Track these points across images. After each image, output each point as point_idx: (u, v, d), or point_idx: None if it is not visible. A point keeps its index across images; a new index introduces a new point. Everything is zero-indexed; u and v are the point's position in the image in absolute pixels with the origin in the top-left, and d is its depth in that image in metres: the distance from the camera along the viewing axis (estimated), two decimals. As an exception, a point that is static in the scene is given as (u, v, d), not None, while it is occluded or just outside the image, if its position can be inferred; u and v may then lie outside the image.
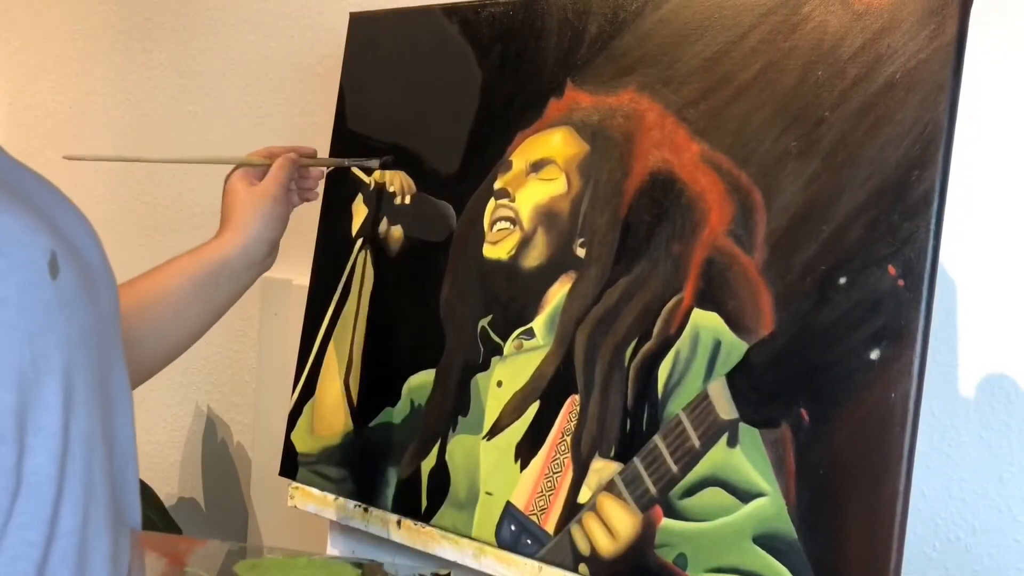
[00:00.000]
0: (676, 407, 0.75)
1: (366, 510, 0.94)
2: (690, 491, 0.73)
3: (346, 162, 1.02)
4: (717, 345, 0.73)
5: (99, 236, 0.62)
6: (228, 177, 0.94)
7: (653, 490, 0.75)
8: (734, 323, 0.73)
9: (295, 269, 1.42)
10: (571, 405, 0.82)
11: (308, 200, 1.00)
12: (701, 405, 0.74)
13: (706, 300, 0.75)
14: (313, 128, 1.35)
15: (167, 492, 1.65)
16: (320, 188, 1.00)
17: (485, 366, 0.88)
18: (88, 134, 1.72)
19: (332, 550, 1.01)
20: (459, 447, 0.89)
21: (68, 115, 1.76)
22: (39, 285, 0.50)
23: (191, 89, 1.56)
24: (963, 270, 0.90)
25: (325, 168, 1.02)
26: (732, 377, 0.72)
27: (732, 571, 0.70)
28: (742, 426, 0.71)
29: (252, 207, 0.91)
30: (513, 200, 0.89)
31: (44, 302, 0.50)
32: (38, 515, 0.50)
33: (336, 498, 0.97)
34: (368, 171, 1.02)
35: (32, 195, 0.56)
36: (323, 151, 1.09)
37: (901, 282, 0.65)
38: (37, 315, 0.49)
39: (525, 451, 0.84)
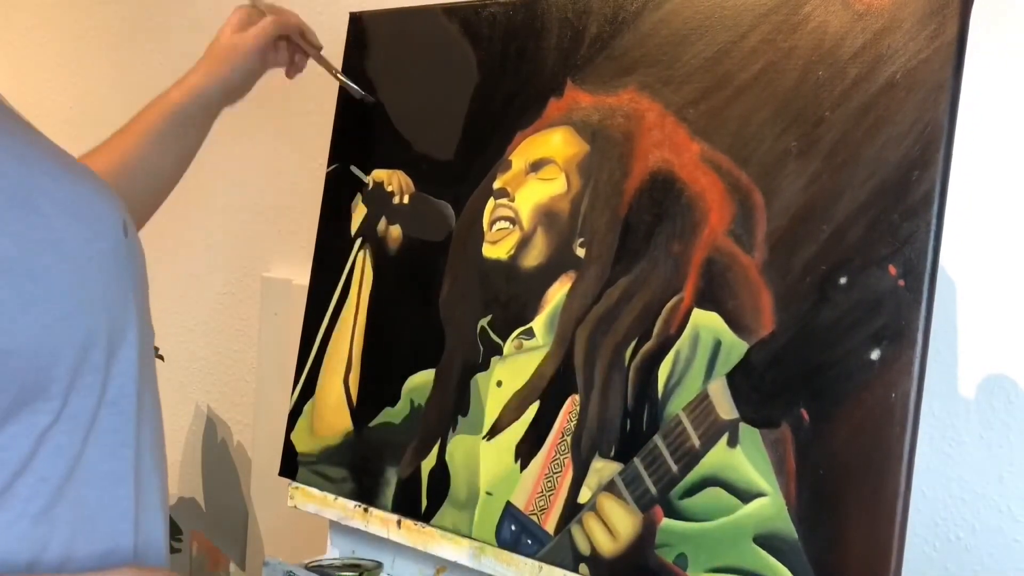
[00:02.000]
0: (676, 407, 0.75)
1: (366, 510, 0.94)
2: (690, 491, 0.73)
3: (336, 73, 1.04)
4: (717, 345, 0.73)
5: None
6: (229, 19, 1.01)
7: (653, 490, 0.75)
8: (734, 323, 0.73)
9: (295, 269, 1.42)
10: (571, 405, 0.82)
11: (287, 74, 1.07)
12: (701, 405, 0.74)
13: (706, 300, 0.75)
14: (313, 128, 1.35)
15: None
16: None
17: (485, 366, 0.88)
18: (88, 134, 1.72)
19: (332, 550, 1.01)
20: (459, 447, 0.89)
21: (68, 115, 1.76)
22: (120, 242, 0.65)
23: (191, 89, 1.56)
24: (963, 270, 0.90)
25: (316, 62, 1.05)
26: (732, 377, 0.72)
27: (732, 571, 0.70)
28: (742, 426, 0.71)
29: (227, 51, 0.98)
30: (513, 200, 0.89)
31: (124, 254, 0.65)
32: (124, 430, 0.63)
33: (336, 498, 0.97)
34: (356, 98, 1.03)
35: (98, 179, 0.68)
36: (324, 151, 1.09)
37: (901, 282, 0.65)
38: (120, 262, 0.64)
39: (525, 451, 0.84)
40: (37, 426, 0.57)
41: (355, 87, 1.03)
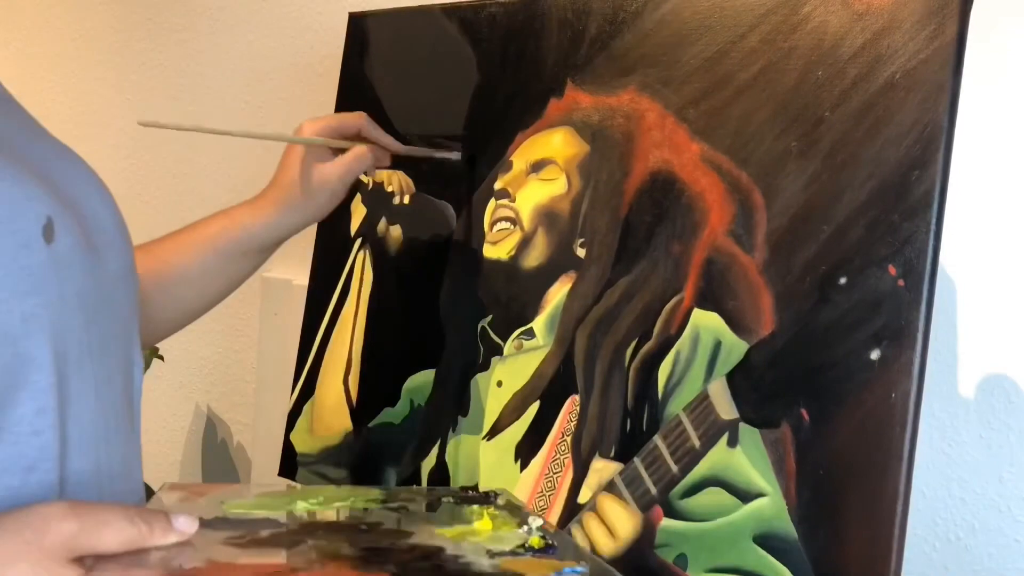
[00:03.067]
0: (676, 407, 0.75)
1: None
2: (690, 491, 0.73)
3: (434, 153, 0.94)
4: (717, 345, 0.73)
5: (118, 208, 0.64)
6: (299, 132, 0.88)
7: (653, 490, 0.75)
8: (734, 323, 0.73)
9: (295, 269, 1.42)
10: (571, 405, 0.82)
11: (368, 174, 0.91)
12: (701, 405, 0.74)
13: (706, 300, 0.75)
14: (313, 128, 1.35)
15: (167, 492, 1.65)
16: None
17: (485, 366, 0.88)
18: (88, 134, 1.72)
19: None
20: (459, 447, 0.89)
21: (68, 115, 1.76)
22: (31, 249, 0.52)
23: (191, 89, 1.56)
24: (963, 270, 0.90)
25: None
26: (732, 377, 0.72)
27: (732, 571, 0.70)
28: (742, 426, 0.71)
29: (306, 189, 0.85)
30: (513, 200, 0.89)
31: (36, 265, 0.52)
32: (18, 463, 0.52)
33: (336, 498, 0.97)
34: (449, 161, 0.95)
35: (41, 161, 0.58)
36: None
37: (901, 282, 0.65)
38: (27, 277, 0.52)
39: (525, 451, 0.84)
40: None
41: (449, 153, 0.95)
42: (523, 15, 0.91)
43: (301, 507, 0.65)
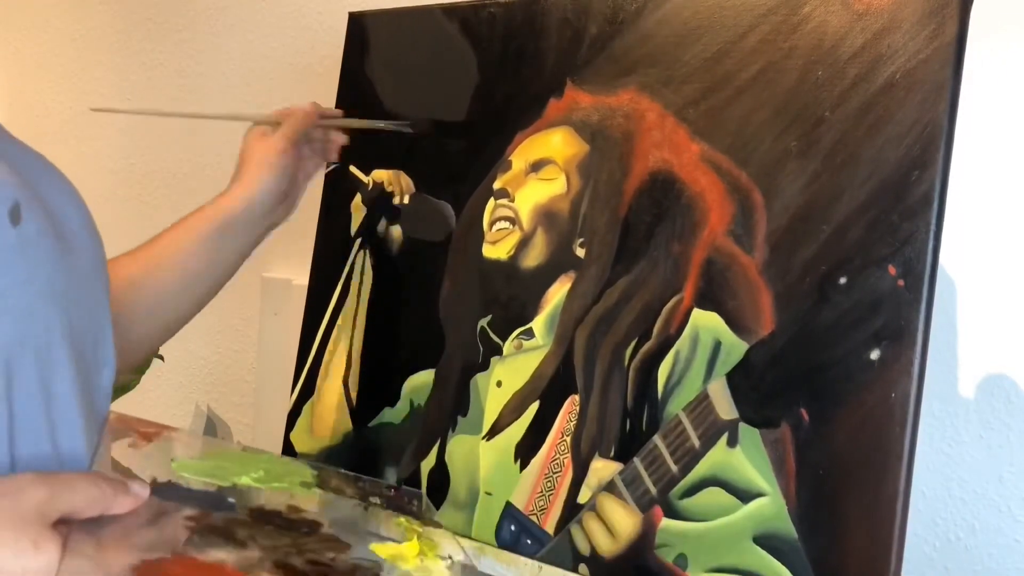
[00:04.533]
0: (676, 407, 0.75)
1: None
2: (690, 491, 0.73)
3: (380, 124, 0.99)
4: (717, 345, 0.73)
5: (91, 214, 0.64)
6: (246, 135, 0.96)
7: (653, 490, 0.75)
8: (734, 323, 0.73)
9: (295, 269, 1.42)
10: (571, 405, 0.82)
11: (329, 160, 1.01)
12: (701, 405, 0.74)
13: (706, 300, 0.75)
14: (313, 128, 1.35)
15: (167, 492, 1.65)
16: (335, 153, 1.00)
17: (484, 366, 0.88)
18: (88, 134, 1.72)
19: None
20: (459, 447, 0.89)
21: (68, 115, 1.76)
22: (5, 227, 0.52)
23: (191, 89, 1.56)
24: (963, 270, 0.90)
25: (349, 129, 1.00)
26: (732, 377, 0.72)
27: (732, 571, 0.70)
28: (742, 426, 0.71)
29: (256, 160, 0.92)
30: (513, 200, 0.89)
31: (2, 245, 0.52)
32: None
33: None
34: (404, 134, 0.98)
35: (10, 155, 0.58)
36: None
37: (901, 282, 0.65)
38: (7, 250, 0.52)
39: (525, 451, 0.84)
40: None
41: (401, 125, 0.98)
42: (523, 15, 0.91)
43: (244, 481, 0.68)
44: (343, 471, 0.81)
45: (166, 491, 0.61)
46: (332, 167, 1.05)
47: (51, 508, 0.50)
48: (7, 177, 0.54)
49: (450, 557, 0.66)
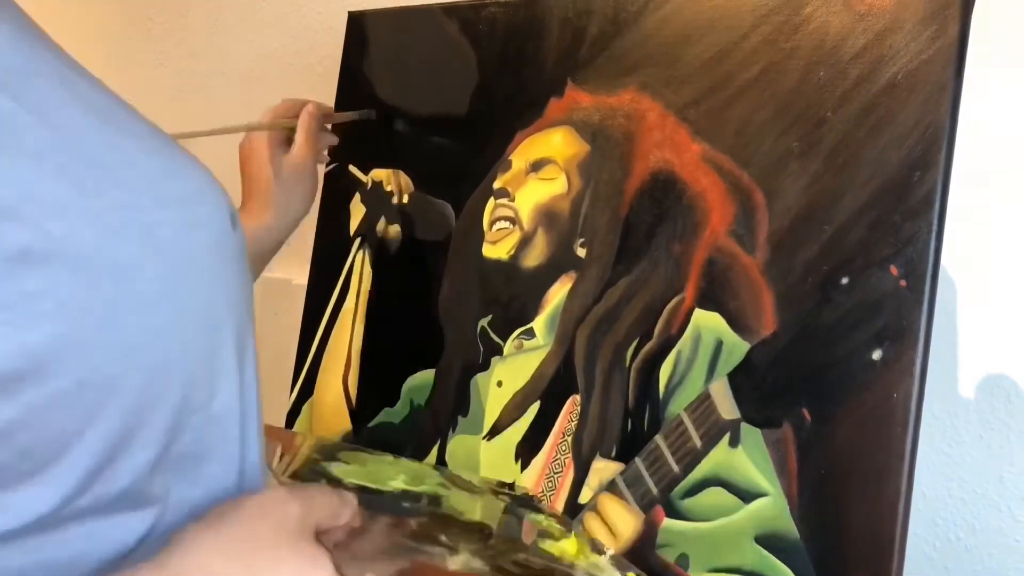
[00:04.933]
0: (677, 407, 0.75)
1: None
2: (692, 491, 0.73)
3: (354, 117, 0.98)
4: (719, 345, 0.73)
5: None
6: (253, 145, 0.88)
7: (655, 490, 0.75)
8: (736, 323, 0.73)
9: (295, 269, 1.41)
10: (572, 405, 0.82)
11: (321, 162, 0.96)
12: (703, 405, 0.74)
13: (707, 300, 0.75)
14: (313, 128, 1.35)
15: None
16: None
17: (485, 366, 0.88)
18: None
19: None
20: (459, 447, 0.89)
21: (67, 115, 1.75)
22: (226, 235, 0.52)
23: (191, 89, 1.56)
24: (964, 270, 0.90)
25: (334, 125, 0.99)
26: (734, 377, 0.72)
27: (734, 571, 0.70)
28: (744, 426, 0.71)
29: (282, 181, 0.86)
30: (513, 200, 0.89)
31: (229, 250, 0.52)
32: (228, 451, 0.53)
33: (336, 498, 0.97)
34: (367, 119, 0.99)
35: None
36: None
37: (903, 282, 0.65)
38: (226, 262, 0.51)
39: (525, 451, 0.84)
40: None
41: (356, 113, 0.99)
42: (523, 15, 0.91)
43: (398, 484, 0.71)
44: (450, 471, 0.85)
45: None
46: (332, 167, 1.05)
47: (307, 522, 0.49)
48: (220, 186, 0.53)
49: (604, 551, 0.69)
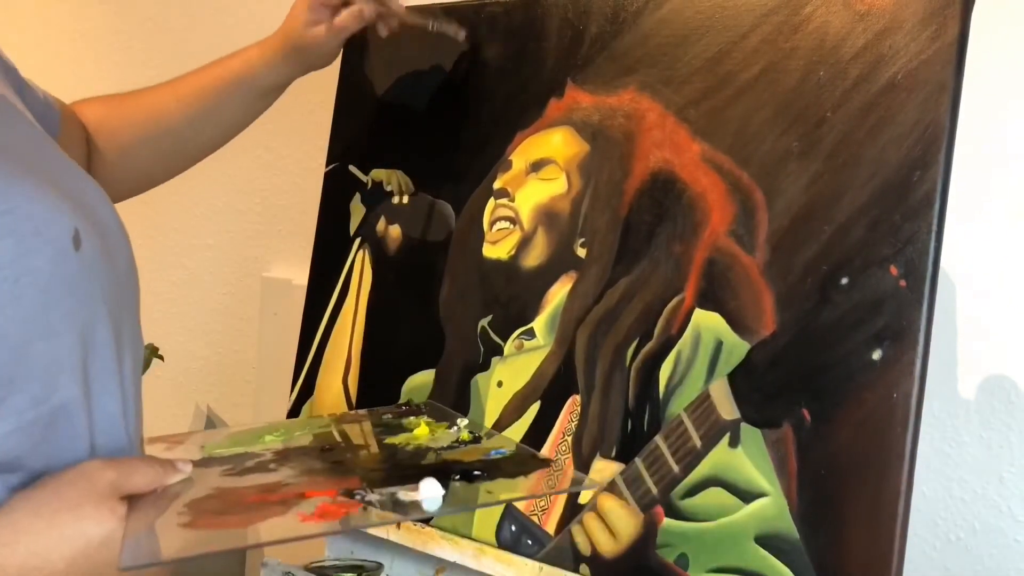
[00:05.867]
0: (677, 407, 0.75)
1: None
2: (691, 491, 0.73)
3: (432, 24, 0.96)
4: (719, 345, 0.73)
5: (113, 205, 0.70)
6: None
7: (654, 490, 0.75)
8: (736, 323, 0.73)
9: (295, 269, 1.41)
10: (572, 405, 0.82)
11: (390, 29, 0.97)
12: (703, 405, 0.73)
13: (707, 300, 0.75)
14: (312, 127, 1.35)
15: (166, 492, 1.65)
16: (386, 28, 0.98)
17: (485, 366, 0.88)
18: (87, 134, 1.72)
19: (329, 552, 1.01)
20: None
21: (67, 115, 1.75)
22: (65, 257, 0.58)
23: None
24: (963, 270, 0.90)
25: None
26: (734, 377, 0.72)
27: (734, 571, 0.70)
28: (744, 426, 0.71)
29: (305, 41, 0.93)
30: (513, 200, 0.89)
31: (70, 271, 0.59)
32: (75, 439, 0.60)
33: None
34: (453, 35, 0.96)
35: (58, 173, 0.65)
36: (323, 151, 1.09)
37: (903, 282, 0.65)
38: (64, 281, 0.58)
39: (526, 451, 0.84)
40: None
41: (451, 27, 0.96)
42: (523, 15, 0.91)
43: (269, 440, 0.77)
44: (353, 411, 0.93)
45: (204, 462, 0.70)
46: (332, 167, 1.05)
47: (119, 487, 0.58)
48: (66, 205, 0.60)
49: (456, 424, 0.81)
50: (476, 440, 0.77)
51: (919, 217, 0.65)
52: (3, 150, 0.60)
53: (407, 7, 0.97)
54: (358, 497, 0.64)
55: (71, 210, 0.61)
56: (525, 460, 0.73)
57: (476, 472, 0.68)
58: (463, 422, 0.81)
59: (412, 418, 0.83)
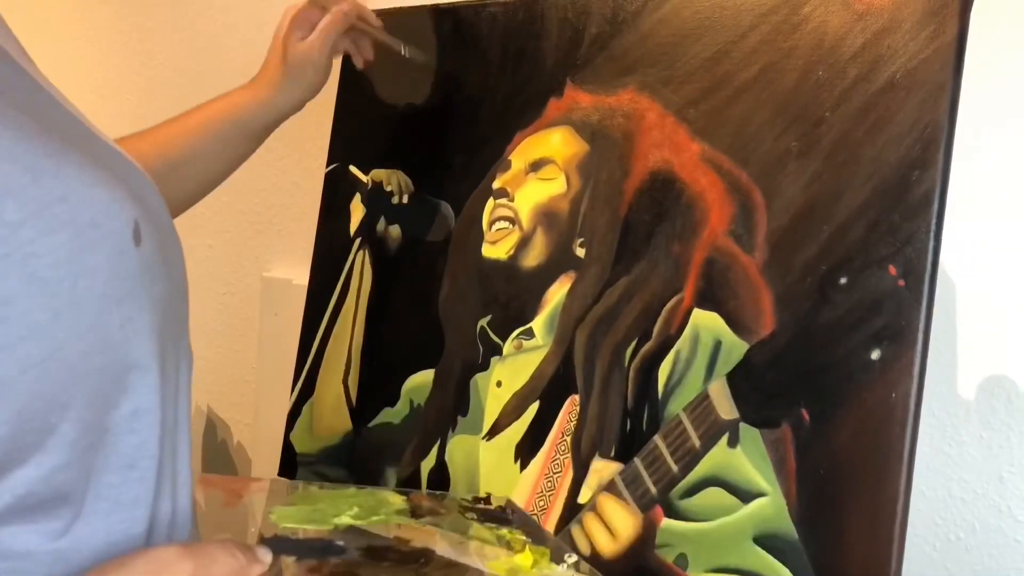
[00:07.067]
0: (676, 407, 0.75)
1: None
2: (690, 491, 0.73)
3: (401, 49, 0.98)
4: (717, 345, 0.73)
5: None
6: (284, 13, 0.95)
7: (653, 490, 0.75)
8: (734, 323, 0.73)
9: (295, 269, 1.42)
10: (571, 405, 0.82)
11: (357, 64, 1.01)
12: (701, 405, 0.73)
13: (706, 300, 0.75)
14: (312, 126, 1.35)
15: (167, 492, 1.65)
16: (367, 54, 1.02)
17: (484, 366, 0.88)
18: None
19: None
20: (459, 447, 0.89)
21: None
22: (125, 254, 0.51)
23: (191, 89, 1.56)
24: (963, 270, 0.90)
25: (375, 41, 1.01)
26: (732, 377, 0.72)
27: (733, 571, 0.70)
28: (743, 426, 0.71)
29: (288, 66, 0.93)
30: (512, 200, 0.89)
31: (129, 270, 0.51)
32: (118, 462, 0.52)
33: (336, 498, 0.97)
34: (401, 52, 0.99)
35: (114, 165, 0.56)
36: (324, 151, 1.09)
37: (902, 282, 0.65)
38: (125, 282, 0.51)
39: (525, 451, 0.84)
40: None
41: (417, 51, 0.99)
42: (523, 15, 0.91)
43: (344, 520, 0.69)
44: (428, 491, 0.84)
45: (276, 544, 0.62)
46: (332, 167, 1.05)
47: None
48: (125, 194, 0.53)
49: (565, 560, 0.68)
50: None
51: (918, 217, 0.65)
52: (48, 130, 0.50)
53: (382, 28, 0.99)
54: None
55: (129, 198, 0.53)
56: None
57: None
58: (571, 559, 0.70)
59: (504, 530, 0.73)
